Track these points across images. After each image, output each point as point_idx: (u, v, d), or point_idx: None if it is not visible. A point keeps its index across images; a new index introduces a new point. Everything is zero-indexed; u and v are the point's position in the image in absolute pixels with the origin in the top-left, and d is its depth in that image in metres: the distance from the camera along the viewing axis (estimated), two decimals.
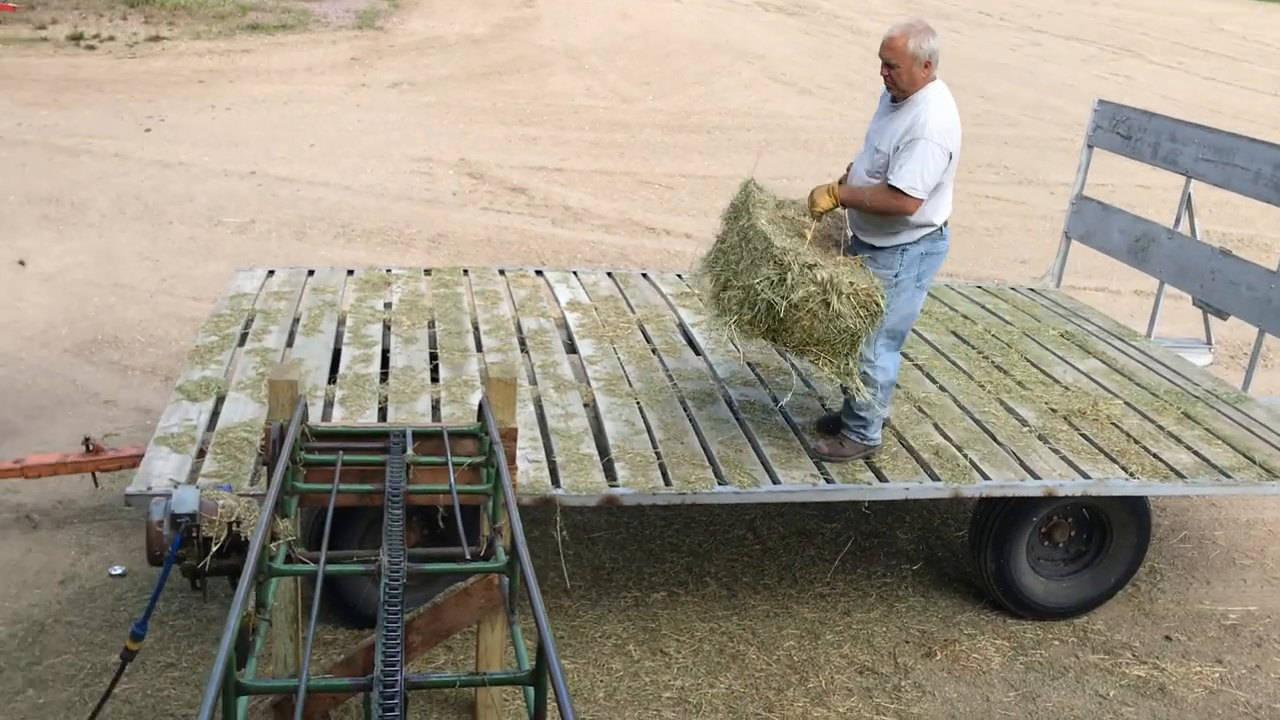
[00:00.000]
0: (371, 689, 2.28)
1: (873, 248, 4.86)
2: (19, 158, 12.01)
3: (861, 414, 4.90)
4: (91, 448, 5.43)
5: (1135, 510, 5.29)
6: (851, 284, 4.41)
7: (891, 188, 4.59)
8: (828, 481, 4.73)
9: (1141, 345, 6.79)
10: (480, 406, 3.85)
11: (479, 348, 5.80)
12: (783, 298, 4.40)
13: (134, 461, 5.15)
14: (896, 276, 4.80)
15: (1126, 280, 9.97)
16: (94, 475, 5.55)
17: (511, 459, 3.77)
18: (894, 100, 4.74)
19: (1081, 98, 18.29)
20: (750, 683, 4.81)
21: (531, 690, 2.59)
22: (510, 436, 3.80)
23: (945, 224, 4.89)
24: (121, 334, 8.01)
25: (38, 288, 8.72)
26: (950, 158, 4.67)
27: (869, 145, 4.87)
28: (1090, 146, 7.51)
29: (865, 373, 4.81)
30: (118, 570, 5.24)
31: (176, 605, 4.97)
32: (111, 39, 18.91)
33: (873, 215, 4.80)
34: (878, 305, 4.45)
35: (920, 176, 4.56)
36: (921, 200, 4.62)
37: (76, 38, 18.61)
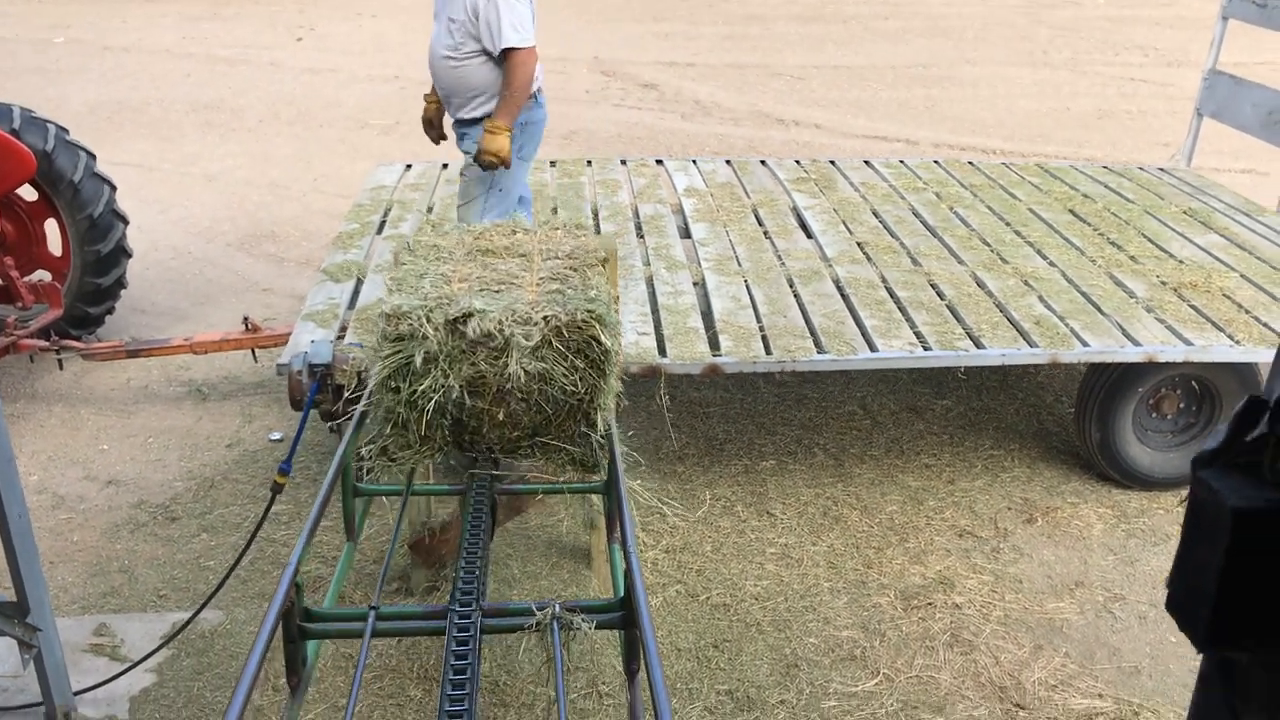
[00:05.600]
0: (466, 492, 2.64)
1: (468, 123, 4.96)
2: (184, 68, 12.77)
3: None
4: (250, 327, 5.99)
5: (1243, 380, 5.30)
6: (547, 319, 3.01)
7: (506, 53, 4.59)
8: (925, 349, 4.90)
9: (1268, 220, 6.65)
10: None
11: (597, 232, 6.11)
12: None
13: (287, 339, 5.68)
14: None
15: (1276, 161, 9.61)
16: (253, 351, 6.12)
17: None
18: None
19: None
20: (851, 542, 5.09)
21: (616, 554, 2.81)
22: (613, 303, 4.11)
23: (539, 91, 4.91)
24: (278, 229, 8.63)
25: (202, 188, 9.41)
26: (529, 4, 4.66)
27: (440, 19, 4.89)
28: (1225, 18, 7.27)
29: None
30: (276, 436, 5.82)
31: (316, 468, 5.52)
32: None
33: (460, 87, 4.90)
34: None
35: (515, 26, 4.57)
36: (534, 46, 4.66)
37: None
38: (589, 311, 2.99)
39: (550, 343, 2.97)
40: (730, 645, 4.41)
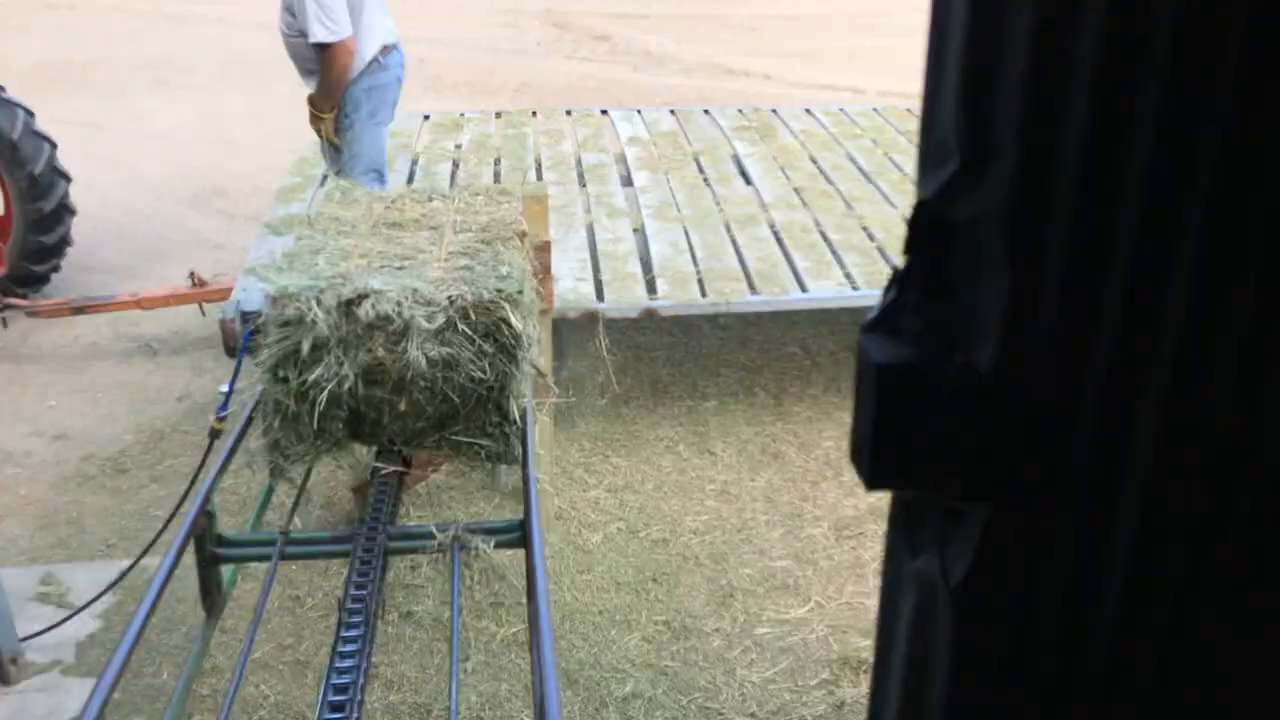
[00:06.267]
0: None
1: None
2: (131, 25, 12.64)
3: None
4: (196, 281, 6.05)
5: None
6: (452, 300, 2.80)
7: (318, 48, 4.63)
8: (854, 289, 5.03)
9: None
10: None
11: (539, 179, 6.19)
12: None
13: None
14: (348, 119, 5.01)
15: None
16: (200, 306, 6.18)
17: (546, 269, 4.18)
18: None
19: None
20: (788, 477, 5.24)
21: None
22: (545, 249, 4.20)
23: (384, 51, 4.95)
24: (228, 184, 8.63)
25: (152, 145, 9.38)
26: None
27: (283, 3, 4.91)
28: None
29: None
30: (225, 388, 5.88)
31: None
32: None
33: (297, 59, 4.95)
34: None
35: (322, 20, 4.58)
36: (346, 38, 4.64)
37: None
38: (499, 291, 2.75)
39: (455, 326, 2.72)
40: (669, 578, 4.56)
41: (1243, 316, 0.93)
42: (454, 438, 2.90)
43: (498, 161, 6.45)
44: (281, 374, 2.73)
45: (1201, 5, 0.85)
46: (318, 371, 2.68)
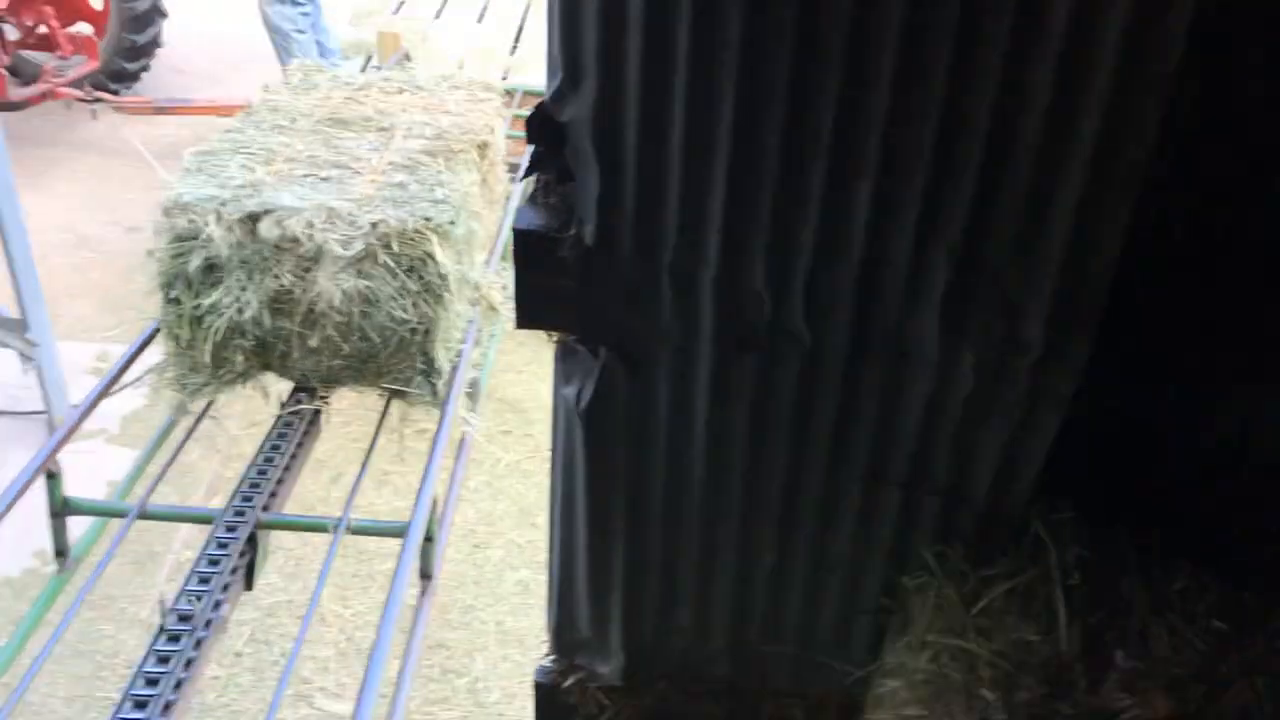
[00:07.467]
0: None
1: None
2: None
3: None
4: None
5: None
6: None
7: None
8: None
9: None
10: None
11: None
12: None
13: None
14: None
15: None
16: None
17: None
18: None
19: None
20: None
21: None
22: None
23: None
24: None
25: None
26: None
27: None
28: None
29: None
30: None
31: None
32: None
33: None
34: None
35: None
36: None
37: None
38: (426, 220, 2.35)
39: (376, 256, 2.33)
40: None
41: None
42: (374, 382, 2.59)
43: None
44: (173, 295, 2.43)
45: None
46: (215, 295, 2.36)
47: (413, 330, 2.42)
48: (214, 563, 2.35)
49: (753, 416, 1.35)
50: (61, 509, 2.49)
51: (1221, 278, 1.23)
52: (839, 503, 1.41)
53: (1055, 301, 1.18)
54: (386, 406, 2.73)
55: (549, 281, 1.29)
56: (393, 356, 2.48)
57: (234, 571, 2.41)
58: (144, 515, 2.45)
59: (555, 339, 1.39)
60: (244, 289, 2.35)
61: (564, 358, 1.38)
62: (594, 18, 1.12)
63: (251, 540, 2.47)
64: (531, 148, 1.25)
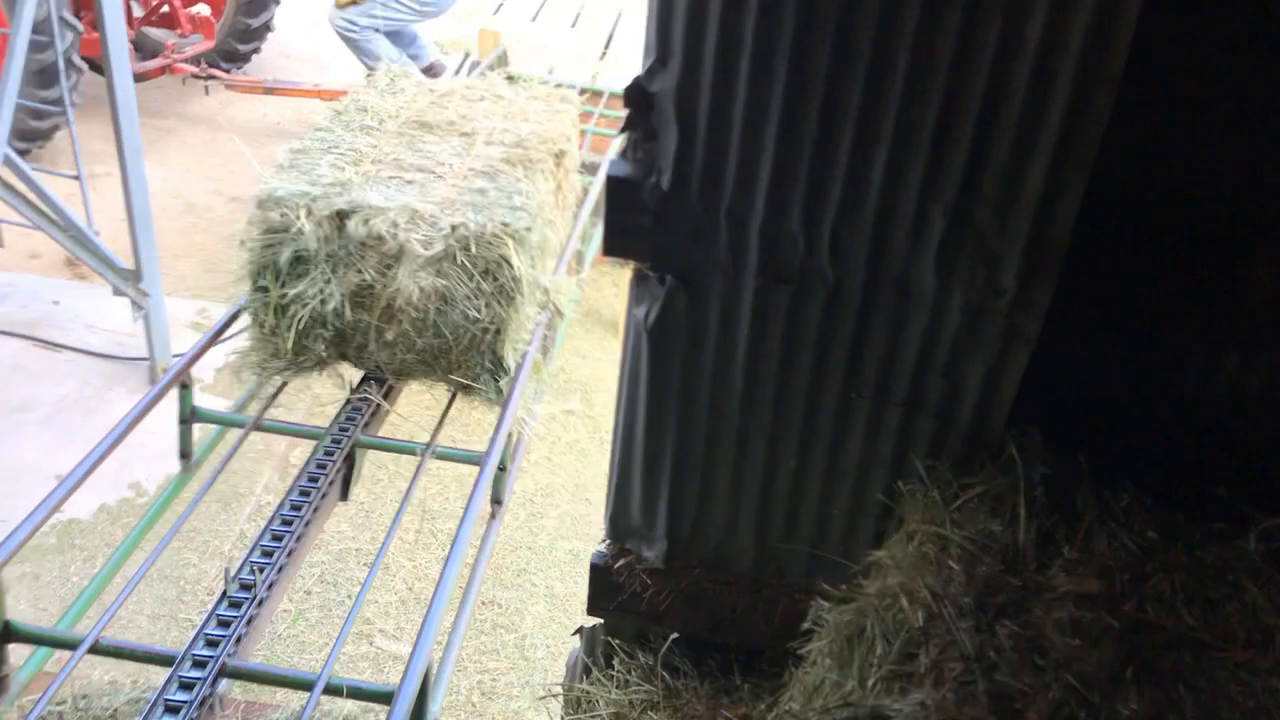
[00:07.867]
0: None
1: None
2: None
3: None
4: None
5: None
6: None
7: None
8: None
9: None
10: None
11: None
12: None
13: None
14: None
15: None
16: None
17: None
18: None
19: None
20: None
21: None
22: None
23: None
24: None
25: None
26: None
27: None
28: None
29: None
30: None
31: None
32: None
33: None
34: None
35: None
36: None
37: None
38: (504, 225, 2.49)
39: (454, 257, 2.48)
40: None
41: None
42: (444, 376, 2.75)
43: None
44: (261, 283, 2.57)
45: None
46: (300, 286, 2.51)
47: (484, 329, 2.58)
48: (321, 467, 2.64)
49: (784, 339, 1.69)
50: (190, 416, 2.86)
51: (1146, 245, 1.56)
52: (850, 418, 1.75)
53: (1026, 253, 1.52)
54: (451, 400, 2.94)
55: (631, 219, 1.64)
56: (464, 353, 2.64)
57: (332, 484, 2.78)
58: (259, 428, 2.82)
59: (632, 268, 1.73)
60: (328, 281, 2.51)
61: (637, 284, 1.74)
62: (682, 12, 1.48)
63: (349, 458, 2.77)
64: (627, 111, 1.60)
